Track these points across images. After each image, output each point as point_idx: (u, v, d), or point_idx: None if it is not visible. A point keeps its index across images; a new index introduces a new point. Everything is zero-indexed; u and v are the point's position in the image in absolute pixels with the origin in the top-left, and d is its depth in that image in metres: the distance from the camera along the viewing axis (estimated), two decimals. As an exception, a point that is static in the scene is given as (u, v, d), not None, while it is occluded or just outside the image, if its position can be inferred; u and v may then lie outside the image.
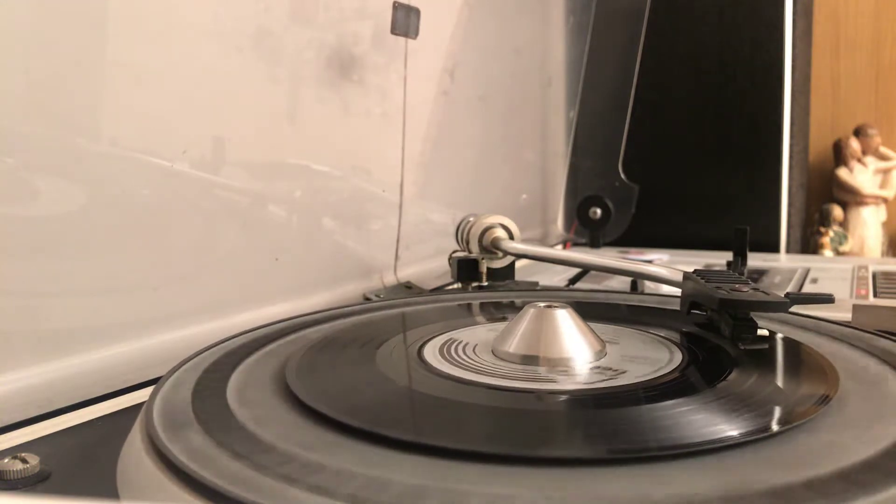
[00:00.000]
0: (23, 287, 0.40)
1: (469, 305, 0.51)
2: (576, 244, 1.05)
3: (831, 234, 1.47)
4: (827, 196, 1.56)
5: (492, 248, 0.63)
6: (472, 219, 0.65)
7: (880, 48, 1.54)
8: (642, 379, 0.33)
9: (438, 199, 0.79)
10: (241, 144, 0.54)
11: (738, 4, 1.01)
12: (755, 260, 0.80)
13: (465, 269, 0.63)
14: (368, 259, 0.69)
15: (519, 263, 0.67)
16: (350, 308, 0.48)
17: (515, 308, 0.48)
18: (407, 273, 0.73)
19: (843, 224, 1.52)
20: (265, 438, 0.27)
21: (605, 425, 0.28)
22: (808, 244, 1.45)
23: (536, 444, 0.26)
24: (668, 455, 0.25)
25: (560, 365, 0.35)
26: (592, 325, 0.38)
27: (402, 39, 0.69)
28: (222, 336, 0.40)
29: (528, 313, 0.37)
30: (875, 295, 0.69)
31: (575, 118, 1.07)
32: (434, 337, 0.40)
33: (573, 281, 0.76)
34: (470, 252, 0.64)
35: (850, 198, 1.53)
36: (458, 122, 0.83)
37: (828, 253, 1.43)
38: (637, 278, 0.60)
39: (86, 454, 0.32)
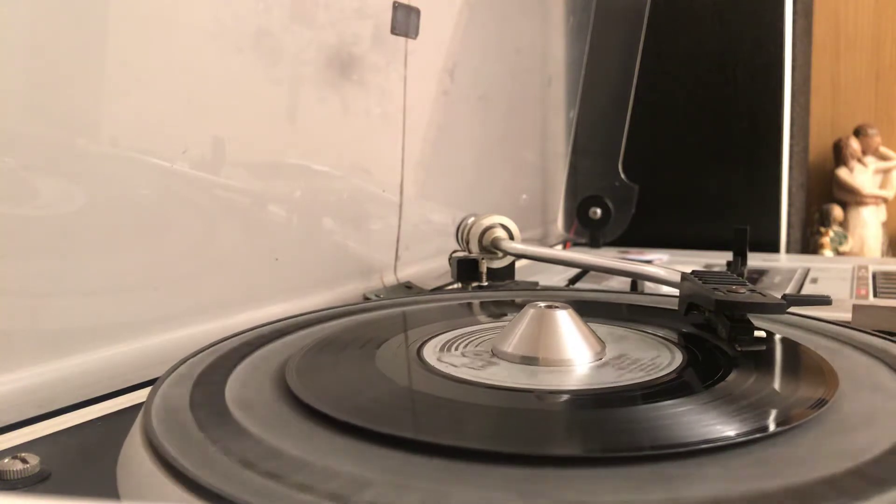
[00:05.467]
0: (23, 287, 0.40)
1: (469, 305, 0.51)
2: (576, 244, 1.05)
3: (831, 234, 1.47)
4: (827, 196, 1.56)
5: (492, 248, 0.63)
6: (472, 219, 0.65)
7: (880, 48, 1.54)
8: (641, 379, 0.33)
9: (438, 199, 0.79)
10: (241, 144, 0.54)
11: (738, 4, 1.01)
12: (755, 260, 0.80)
13: (465, 269, 0.63)
14: (368, 259, 0.69)
15: (519, 263, 0.67)
16: (350, 308, 0.48)
17: (515, 307, 0.48)
18: (407, 273, 0.73)
19: (843, 224, 1.52)
20: (265, 438, 0.27)
21: (604, 425, 0.28)
22: (808, 244, 1.45)
23: (536, 444, 0.26)
24: (667, 455, 0.25)
25: (560, 365, 0.35)
26: (592, 325, 0.38)
27: (402, 39, 0.69)
28: (222, 336, 0.41)
29: (528, 313, 0.37)
30: (875, 295, 0.69)
31: (575, 118, 1.07)
32: (434, 337, 0.40)
33: (573, 281, 0.76)
34: (470, 252, 0.64)
35: (850, 198, 1.53)
36: (458, 122, 0.83)
37: (828, 253, 1.43)
38: (636, 279, 0.60)
39: (86, 454, 0.32)
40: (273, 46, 0.56)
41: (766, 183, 1.02)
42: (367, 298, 0.65)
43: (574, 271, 0.78)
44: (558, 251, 0.70)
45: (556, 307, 0.37)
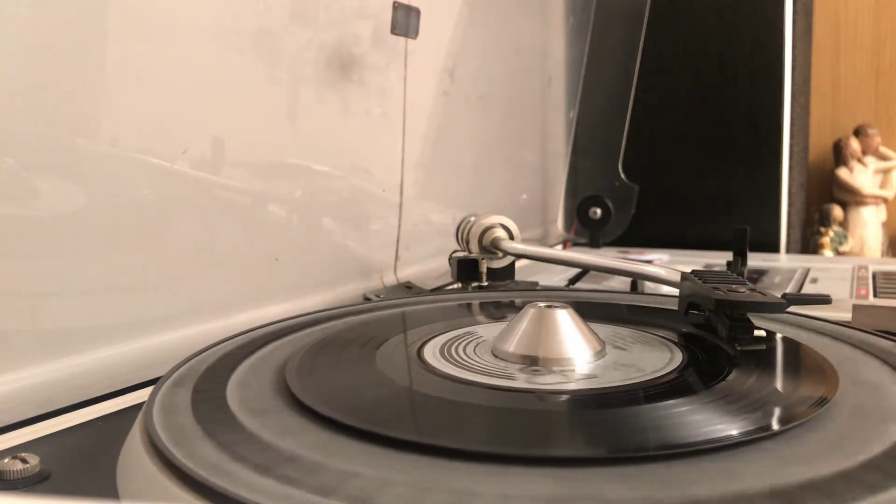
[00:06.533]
0: (23, 287, 0.40)
1: (469, 305, 0.51)
2: (576, 244, 1.05)
3: (831, 234, 1.47)
4: (827, 196, 1.56)
5: (492, 248, 0.63)
6: (472, 219, 0.65)
7: (880, 48, 1.54)
8: (642, 379, 0.33)
9: (438, 199, 0.79)
10: (241, 144, 0.54)
11: (738, 5, 1.01)
12: (755, 260, 0.80)
13: (465, 269, 0.63)
14: (368, 259, 0.69)
15: (519, 263, 0.67)
16: (350, 308, 0.48)
17: (515, 308, 0.48)
18: (407, 273, 0.73)
19: (843, 224, 1.52)
20: (264, 438, 0.27)
21: (604, 425, 0.28)
22: (808, 244, 1.45)
23: (537, 444, 0.26)
24: (668, 455, 0.25)
25: (560, 365, 0.35)
26: (592, 325, 0.38)
27: (402, 39, 0.69)
28: (222, 336, 0.41)
29: (528, 313, 0.37)
30: (875, 295, 0.69)
31: (575, 118, 1.07)
32: (434, 337, 0.40)
33: (573, 281, 0.76)
34: (470, 252, 0.64)
35: (850, 198, 1.53)
36: (458, 122, 0.83)
37: (828, 253, 1.43)
38: (636, 278, 0.60)
39: (86, 454, 0.32)
40: (273, 46, 0.56)
41: (766, 183, 1.02)
42: (367, 298, 0.65)
43: (574, 271, 0.78)
44: (558, 251, 0.70)
45: (556, 307, 0.37)
